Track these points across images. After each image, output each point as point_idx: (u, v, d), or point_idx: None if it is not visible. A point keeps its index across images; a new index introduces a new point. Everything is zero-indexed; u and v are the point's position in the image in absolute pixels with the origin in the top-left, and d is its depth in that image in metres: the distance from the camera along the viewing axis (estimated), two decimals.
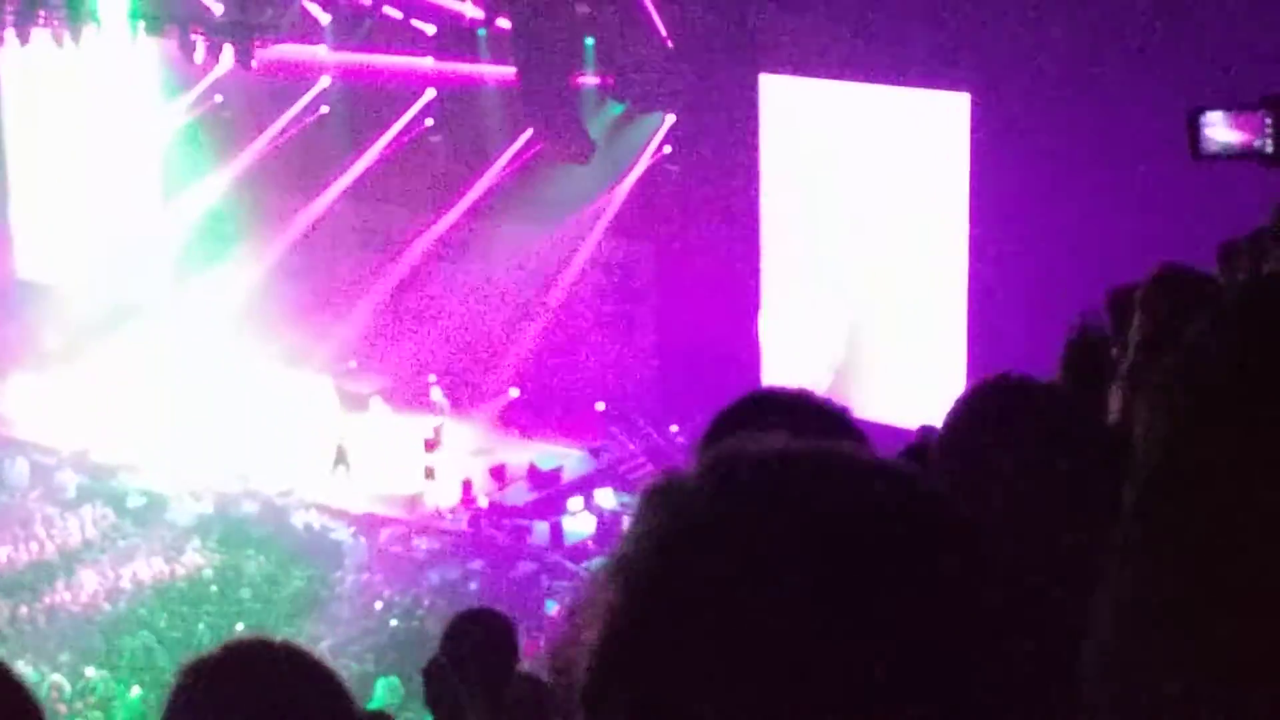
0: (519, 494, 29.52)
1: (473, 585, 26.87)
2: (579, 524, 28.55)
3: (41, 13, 31.35)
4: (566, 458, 30.13)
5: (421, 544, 28.38)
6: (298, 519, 28.99)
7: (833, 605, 1.22)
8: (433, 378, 30.81)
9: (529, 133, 31.28)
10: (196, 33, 31.74)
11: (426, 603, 26.10)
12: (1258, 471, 1.46)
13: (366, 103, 33.18)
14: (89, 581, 27.19)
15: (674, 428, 29.56)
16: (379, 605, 26.39)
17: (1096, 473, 3.46)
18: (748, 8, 28.57)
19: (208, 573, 27.60)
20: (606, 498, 28.95)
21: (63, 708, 22.64)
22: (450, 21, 31.39)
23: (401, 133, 32.91)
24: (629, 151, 30.86)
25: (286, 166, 33.55)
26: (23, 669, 20.64)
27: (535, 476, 29.67)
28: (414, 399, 31.10)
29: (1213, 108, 5.59)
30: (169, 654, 24.80)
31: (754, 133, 29.23)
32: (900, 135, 27.86)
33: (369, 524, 28.78)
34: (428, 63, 32.12)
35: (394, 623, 25.74)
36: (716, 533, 1.26)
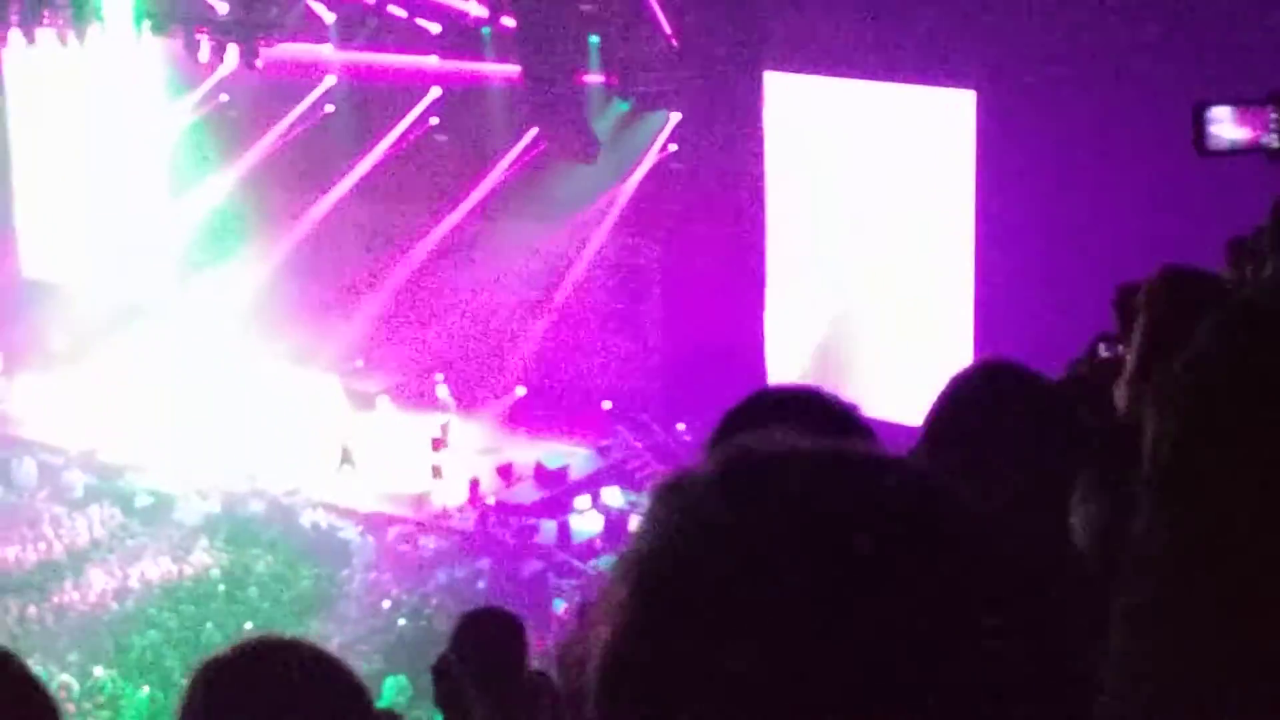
0: (526, 492, 29.51)
1: (480, 584, 26.88)
2: (586, 522, 28.55)
3: (46, 12, 31.37)
4: (573, 456, 30.13)
5: (429, 543, 28.39)
6: (305, 518, 29.00)
7: (845, 604, 1.22)
8: (439, 376, 30.82)
9: (534, 131, 31.28)
10: (201, 32, 31.77)
11: (434, 601, 26.10)
12: (1265, 473, 1.46)
13: (372, 101, 33.20)
14: (97, 581, 27.22)
15: (680, 426, 29.55)
16: (387, 604, 26.40)
17: (1078, 455, 3.47)
18: (753, 6, 28.56)
19: (215, 572, 27.61)
20: (614, 496, 28.96)
21: (71, 707, 22.64)
22: (455, 20, 31.39)
23: (407, 131, 32.93)
24: (634, 150, 30.85)
25: (292, 165, 33.56)
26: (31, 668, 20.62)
27: (542, 475, 29.66)
28: (421, 398, 31.11)
29: (1218, 103, 5.58)
30: (177, 653, 24.83)
31: (759, 130, 29.23)
32: (905, 132, 27.85)
33: (376, 523, 28.78)
34: (432, 61, 32.11)
35: (402, 621, 25.76)
36: (728, 530, 1.27)
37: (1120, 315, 6.21)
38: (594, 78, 30.44)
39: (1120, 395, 4.52)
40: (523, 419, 31.51)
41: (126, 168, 35.09)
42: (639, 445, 30.26)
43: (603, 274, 31.72)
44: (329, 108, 33.76)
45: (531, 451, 30.28)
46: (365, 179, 33.22)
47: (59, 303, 34.15)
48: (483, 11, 31.09)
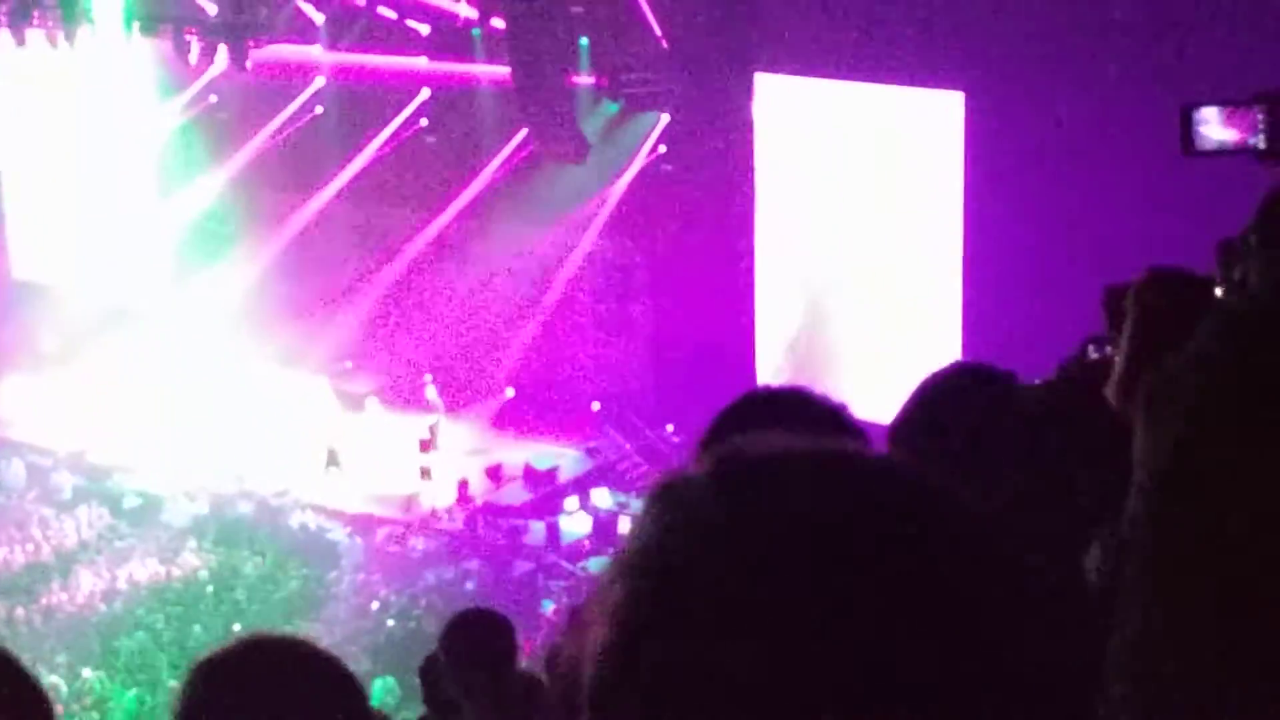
0: (515, 494, 29.50)
1: (469, 585, 26.86)
2: (575, 524, 28.54)
3: (36, 13, 31.34)
4: (562, 457, 30.13)
5: (418, 544, 28.36)
6: (294, 519, 28.98)
7: (841, 604, 1.22)
8: (428, 377, 30.80)
9: (523, 133, 31.26)
10: (191, 33, 31.73)
11: (423, 603, 26.08)
12: (1269, 475, 1.47)
13: (361, 103, 33.17)
14: (85, 582, 27.18)
15: (669, 427, 29.56)
16: (375, 605, 26.38)
17: (1047, 455, 3.49)
18: (742, 7, 28.57)
19: (204, 574, 27.58)
20: (602, 497, 28.95)
21: (59, 709, 22.58)
22: (444, 21, 31.38)
23: (396, 133, 32.90)
24: (624, 151, 30.84)
25: (281, 167, 33.54)
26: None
27: (531, 476, 29.65)
28: (410, 399, 31.10)
29: (1204, 104, 5.59)
30: (165, 655, 24.80)
31: (749, 132, 29.24)
32: (894, 134, 27.87)
33: (365, 524, 28.77)
34: (422, 63, 32.10)
35: (390, 623, 25.73)
36: (723, 531, 1.27)
37: (1108, 316, 6.21)
38: (584, 79, 30.43)
39: (1110, 397, 4.52)
40: (512, 420, 31.51)
41: (116, 169, 35.03)
42: (628, 446, 30.26)
43: (592, 275, 31.71)
44: (318, 109, 33.74)
45: (520, 453, 30.27)
46: (355, 180, 33.20)
47: (48, 304, 34.13)
48: (472, 13, 31.09)
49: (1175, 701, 1.49)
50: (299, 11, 32.41)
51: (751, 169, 29.39)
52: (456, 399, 31.21)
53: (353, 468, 29.80)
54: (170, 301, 33.66)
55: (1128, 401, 3.87)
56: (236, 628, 24.50)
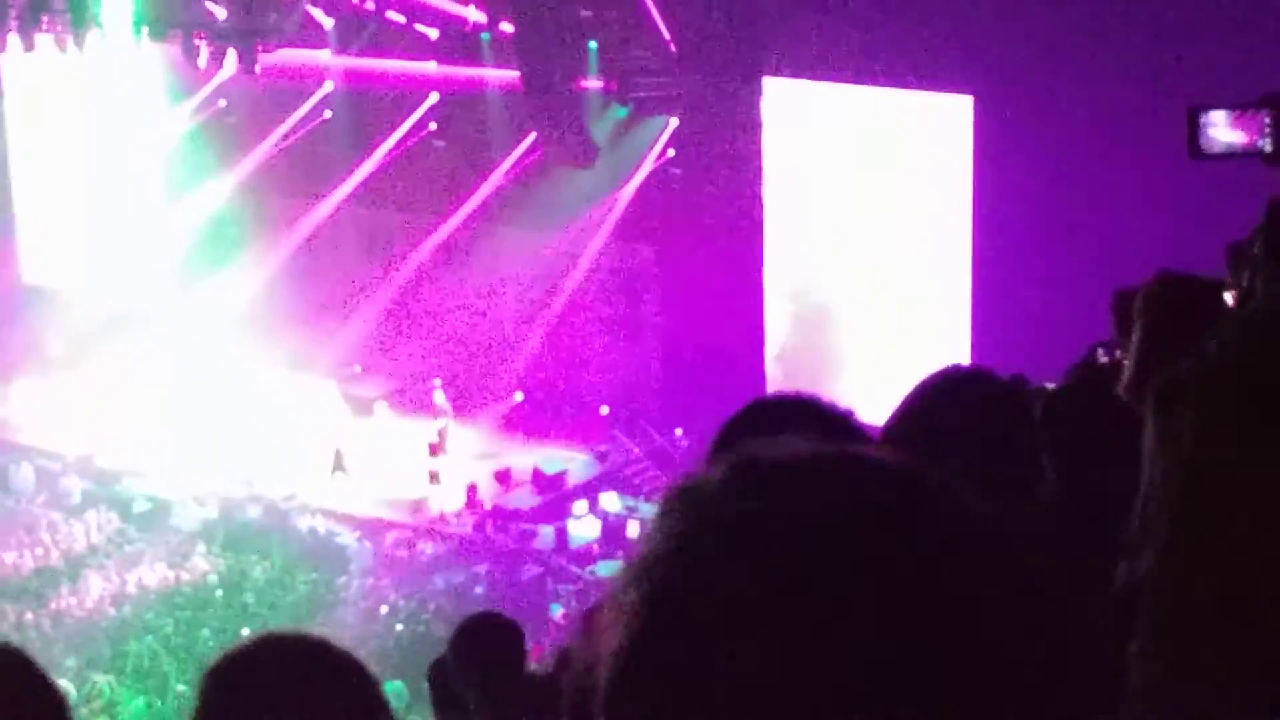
0: (524, 498, 29.50)
1: (478, 589, 26.85)
2: (584, 528, 28.54)
3: (45, 17, 31.34)
4: (571, 461, 30.12)
5: (427, 548, 28.37)
6: (303, 524, 28.99)
7: (858, 607, 1.22)
8: (437, 381, 30.80)
9: (532, 137, 31.28)
10: (200, 37, 31.75)
11: (432, 607, 26.07)
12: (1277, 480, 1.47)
13: (370, 107, 33.21)
14: (94, 587, 27.19)
15: (678, 431, 29.55)
16: (384, 610, 26.37)
17: (1037, 459, 3.49)
18: (750, 11, 28.57)
19: (213, 578, 27.58)
20: (611, 501, 28.95)
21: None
22: (453, 26, 31.40)
23: (405, 137, 32.92)
24: (632, 155, 30.85)
25: (290, 171, 33.56)
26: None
27: (540, 480, 29.65)
28: (419, 403, 31.11)
29: (1211, 107, 5.60)
30: (174, 659, 24.81)
31: (757, 136, 29.24)
32: (903, 138, 27.86)
33: (374, 528, 28.77)
34: (431, 67, 32.12)
35: (399, 627, 25.73)
36: (738, 536, 1.27)
37: (1117, 320, 6.21)
38: (592, 83, 30.45)
39: (1122, 397, 4.53)
40: (520, 424, 31.50)
41: (125, 173, 35.07)
42: (637, 450, 30.26)
43: (601, 279, 31.71)
44: (327, 113, 33.75)
45: (529, 457, 30.27)
46: (363, 184, 33.22)
47: (57, 308, 34.15)
48: (481, 17, 31.10)
49: (1183, 696, 1.49)
50: (308, 16, 32.44)
51: (760, 173, 29.39)
52: (465, 403, 31.21)
53: (361, 472, 29.81)
54: (179, 306, 33.68)
55: (1138, 402, 3.87)
56: (245, 632, 24.48)
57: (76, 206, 35.57)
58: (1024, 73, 25.54)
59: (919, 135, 27.66)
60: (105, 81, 34.18)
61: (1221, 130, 5.65)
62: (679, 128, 30.37)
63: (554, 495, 29.34)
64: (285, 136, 33.94)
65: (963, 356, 26.53)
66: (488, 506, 29.22)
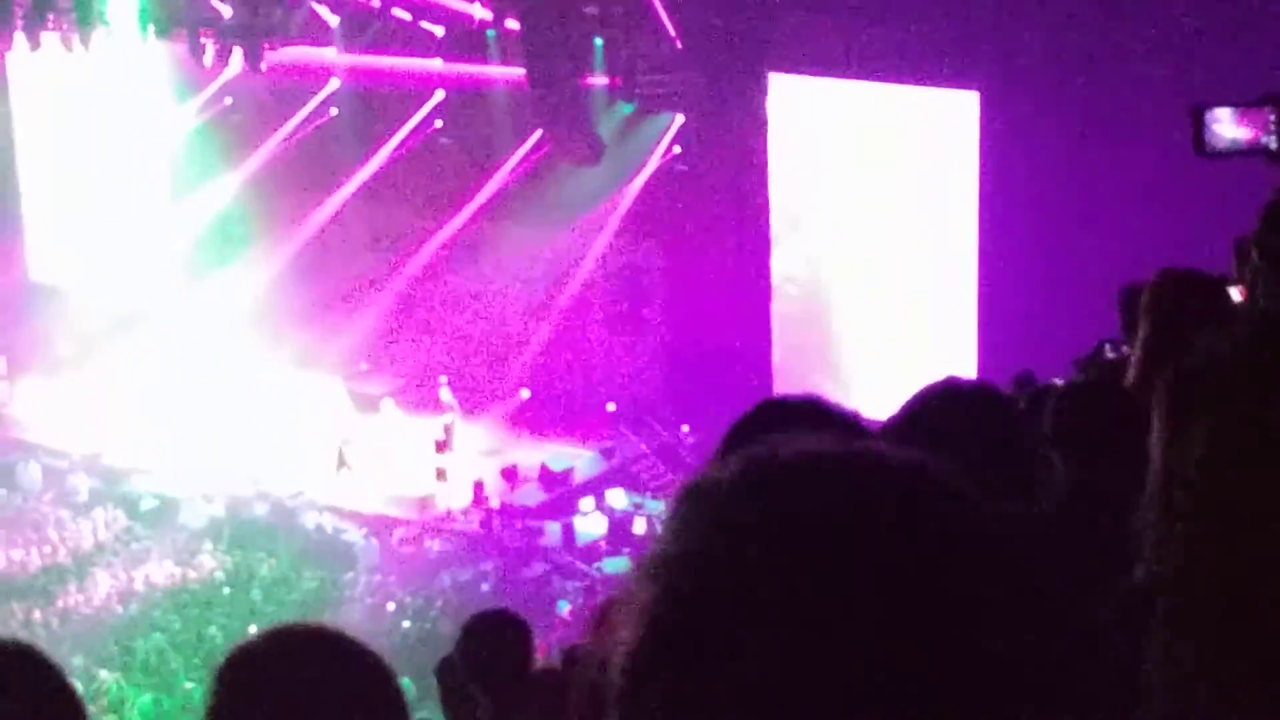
0: (530, 495, 29.51)
1: (485, 586, 26.87)
2: (590, 524, 28.55)
3: (51, 16, 31.36)
4: (578, 458, 30.13)
5: (433, 545, 28.39)
6: (309, 521, 29.00)
7: (876, 604, 1.23)
8: (443, 379, 30.81)
9: (538, 134, 31.28)
10: (206, 35, 31.75)
11: (438, 604, 26.09)
12: None
13: (376, 105, 33.21)
14: (102, 584, 27.22)
15: (685, 427, 29.56)
16: (391, 607, 26.39)
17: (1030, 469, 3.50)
18: (756, 7, 28.56)
19: (220, 575, 27.61)
20: (618, 498, 28.96)
21: None
22: (459, 23, 31.39)
23: (411, 134, 32.92)
24: (638, 152, 30.85)
25: (296, 169, 33.56)
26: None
27: (546, 477, 29.66)
28: (426, 400, 31.12)
29: (1216, 104, 5.60)
30: (181, 656, 24.83)
31: (763, 132, 29.23)
32: (909, 134, 27.86)
33: (381, 525, 28.78)
34: (436, 64, 32.11)
35: (406, 624, 25.74)
36: (752, 534, 1.27)
37: (1124, 316, 6.22)
38: (598, 80, 30.44)
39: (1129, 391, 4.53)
40: (527, 421, 31.51)
41: (131, 171, 35.10)
42: (643, 447, 30.27)
43: (607, 276, 31.72)
44: (333, 111, 33.75)
45: (536, 454, 30.28)
46: (369, 182, 33.23)
47: (64, 306, 34.18)
48: (487, 14, 31.10)
49: (1201, 694, 1.50)
50: (314, 13, 32.43)
51: (766, 169, 29.38)
52: (472, 400, 31.21)
53: (367, 469, 29.82)
54: (185, 304, 33.70)
55: (1145, 397, 3.88)
56: (252, 629, 24.51)
57: (82, 205, 35.59)
58: (1030, 68, 25.54)
59: (925, 131, 27.65)
60: (111, 80, 34.19)
61: (1226, 127, 5.66)
62: (685, 124, 30.37)
63: (560, 492, 29.36)
64: (291, 134, 33.95)
65: (969, 353, 26.57)
66: (494, 503, 29.23)
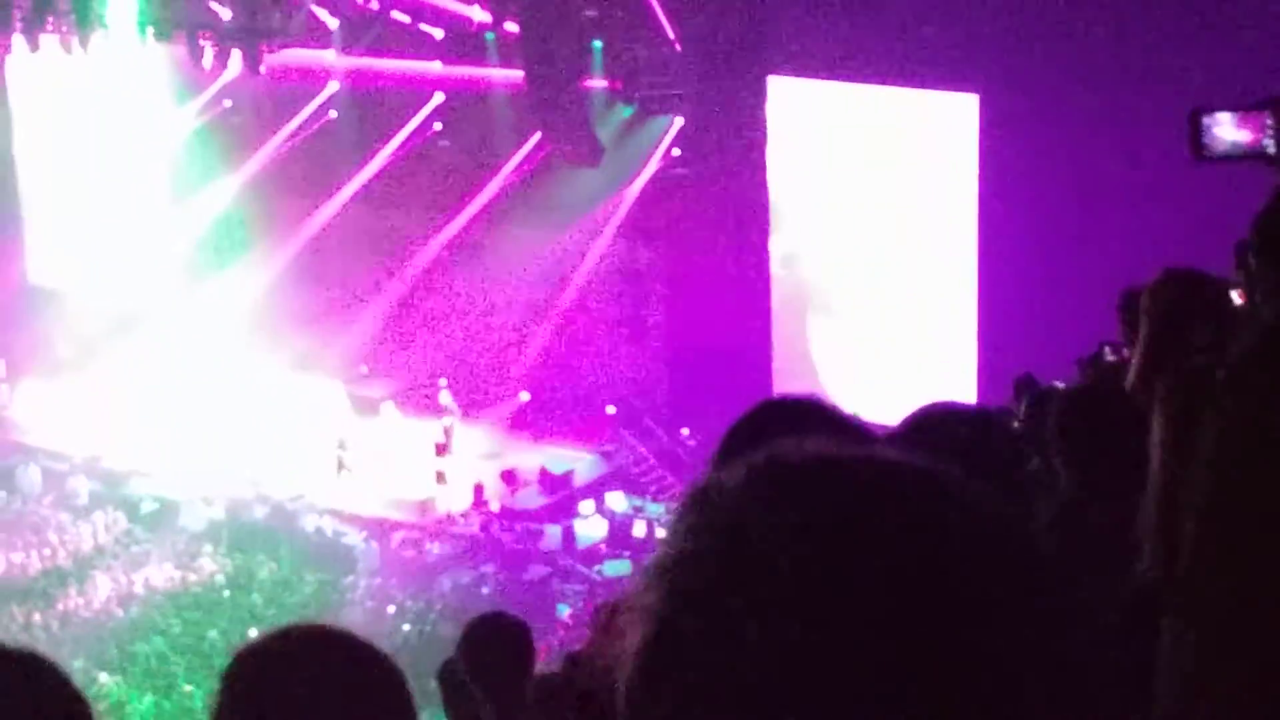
0: (530, 498, 29.51)
1: (485, 589, 26.87)
2: (590, 527, 28.56)
3: (50, 18, 31.37)
4: (578, 461, 30.13)
5: (433, 548, 28.39)
6: (309, 524, 29.00)
7: (883, 609, 1.23)
8: (443, 381, 30.82)
9: (538, 136, 31.29)
10: (205, 38, 31.78)
11: (438, 607, 26.10)
12: None
13: (375, 107, 33.22)
14: (102, 587, 27.23)
15: (685, 430, 29.55)
16: (391, 610, 26.40)
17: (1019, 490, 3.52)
18: (755, 10, 28.57)
19: (220, 578, 27.62)
20: (618, 501, 28.96)
21: None
22: (458, 25, 31.41)
23: (410, 137, 32.94)
24: (638, 154, 30.86)
25: (296, 171, 33.58)
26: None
27: (546, 480, 29.67)
28: (425, 403, 31.14)
29: (1214, 108, 5.59)
30: (182, 659, 24.84)
31: (762, 134, 29.25)
32: (909, 136, 27.87)
33: (381, 528, 28.79)
34: (436, 67, 32.13)
35: (406, 627, 25.75)
36: (759, 535, 1.28)
37: (1124, 319, 6.22)
38: (597, 82, 30.45)
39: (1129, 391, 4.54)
40: (527, 424, 31.52)
41: (131, 174, 35.11)
42: (643, 450, 30.26)
43: (606, 279, 31.71)
44: (332, 113, 33.78)
45: (536, 457, 30.28)
46: (369, 185, 33.24)
47: (64, 309, 34.19)
48: (486, 17, 31.11)
49: (1213, 692, 1.50)
50: (313, 16, 32.45)
51: (765, 171, 29.39)
52: (472, 403, 31.23)
53: (367, 472, 29.83)
54: (185, 306, 33.70)
55: (1145, 398, 3.89)
56: (253, 632, 24.52)
57: (82, 207, 35.60)
58: (1029, 71, 25.54)
59: (924, 134, 27.66)
60: (110, 82, 34.19)
61: (1226, 131, 5.64)
62: (684, 127, 30.37)
63: (560, 495, 29.36)
64: (291, 137, 33.97)
65: (969, 355, 26.59)
66: (494, 506, 29.23)
